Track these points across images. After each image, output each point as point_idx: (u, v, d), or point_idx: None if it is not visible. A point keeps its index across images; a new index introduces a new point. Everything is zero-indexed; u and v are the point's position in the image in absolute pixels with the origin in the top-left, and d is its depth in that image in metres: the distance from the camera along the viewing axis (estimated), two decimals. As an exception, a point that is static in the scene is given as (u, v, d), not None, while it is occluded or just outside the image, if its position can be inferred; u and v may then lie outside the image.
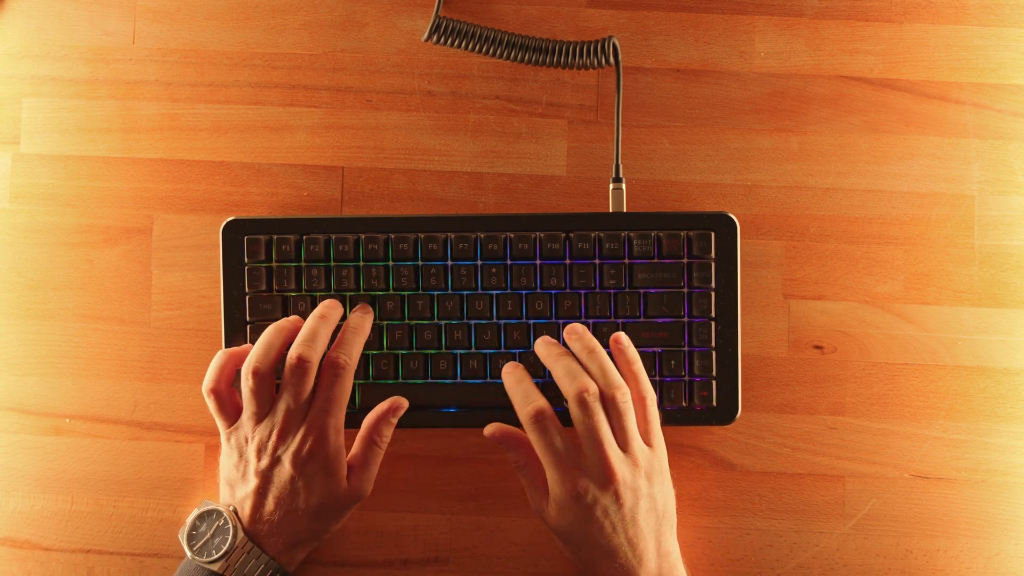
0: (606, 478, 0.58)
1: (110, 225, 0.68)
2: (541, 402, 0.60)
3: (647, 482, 0.60)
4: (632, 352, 0.62)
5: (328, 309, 0.63)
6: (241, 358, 0.63)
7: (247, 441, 0.61)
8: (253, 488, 0.61)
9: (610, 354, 0.62)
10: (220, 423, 0.62)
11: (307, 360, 0.60)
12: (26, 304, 0.68)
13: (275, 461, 0.60)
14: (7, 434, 0.68)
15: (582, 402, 0.59)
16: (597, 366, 0.60)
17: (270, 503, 0.60)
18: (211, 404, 0.62)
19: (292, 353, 0.60)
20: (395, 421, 0.63)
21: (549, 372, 0.62)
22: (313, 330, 0.61)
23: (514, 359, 0.65)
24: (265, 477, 0.60)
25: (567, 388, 0.60)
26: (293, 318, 0.64)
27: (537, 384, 0.63)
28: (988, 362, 0.67)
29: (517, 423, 0.61)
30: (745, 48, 0.68)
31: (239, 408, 0.62)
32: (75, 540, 0.68)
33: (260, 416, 0.61)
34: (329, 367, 0.61)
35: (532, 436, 0.59)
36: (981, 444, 0.67)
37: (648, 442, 0.61)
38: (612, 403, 0.59)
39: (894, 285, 0.67)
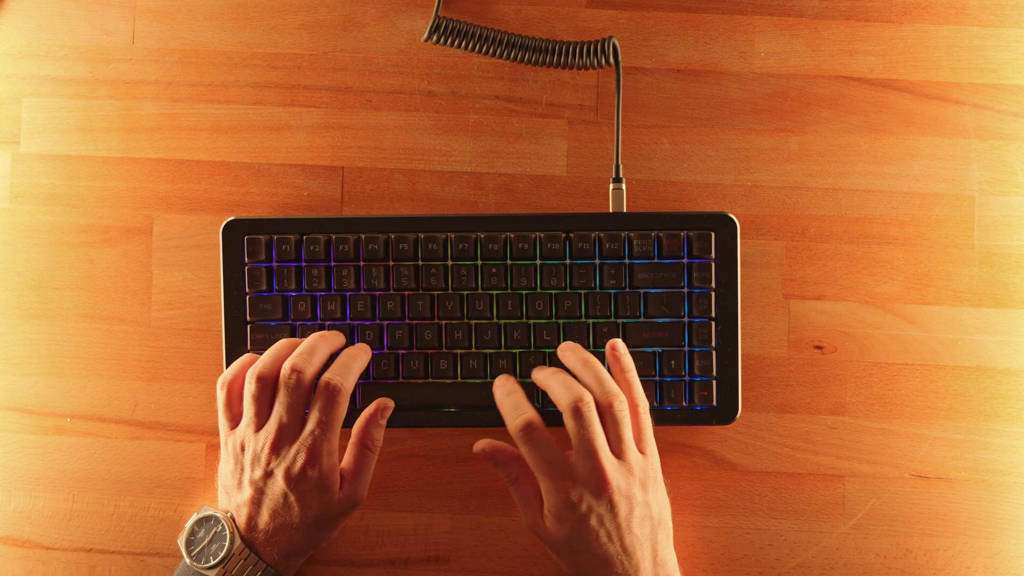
0: (600, 486, 0.58)
1: (110, 225, 0.68)
2: (531, 413, 0.59)
3: (642, 490, 0.59)
4: (628, 360, 0.62)
5: (330, 333, 0.63)
6: None
7: (243, 449, 0.61)
8: (248, 498, 0.60)
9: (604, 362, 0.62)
10: (223, 423, 0.62)
11: (300, 371, 0.59)
12: (26, 304, 0.68)
13: (268, 474, 0.60)
14: (8, 434, 0.68)
15: (577, 412, 0.58)
16: (593, 376, 0.60)
17: (265, 514, 0.60)
18: (221, 398, 0.62)
19: (286, 364, 0.60)
20: (384, 423, 0.63)
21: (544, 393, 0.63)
22: (312, 346, 0.61)
23: (514, 359, 0.65)
24: (259, 488, 0.60)
25: (562, 399, 0.59)
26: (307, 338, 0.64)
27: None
28: (988, 362, 0.67)
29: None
30: (745, 48, 0.68)
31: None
32: (76, 539, 0.68)
33: (258, 424, 0.60)
34: (323, 390, 0.60)
35: (523, 448, 0.59)
36: (981, 444, 0.67)
37: (641, 450, 0.60)
38: (609, 411, 0.59)
39: (894, 285, 0.67)
